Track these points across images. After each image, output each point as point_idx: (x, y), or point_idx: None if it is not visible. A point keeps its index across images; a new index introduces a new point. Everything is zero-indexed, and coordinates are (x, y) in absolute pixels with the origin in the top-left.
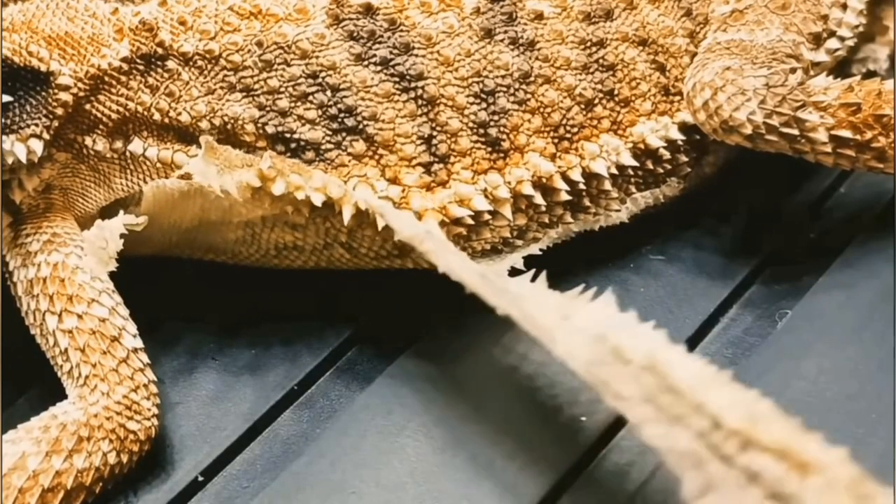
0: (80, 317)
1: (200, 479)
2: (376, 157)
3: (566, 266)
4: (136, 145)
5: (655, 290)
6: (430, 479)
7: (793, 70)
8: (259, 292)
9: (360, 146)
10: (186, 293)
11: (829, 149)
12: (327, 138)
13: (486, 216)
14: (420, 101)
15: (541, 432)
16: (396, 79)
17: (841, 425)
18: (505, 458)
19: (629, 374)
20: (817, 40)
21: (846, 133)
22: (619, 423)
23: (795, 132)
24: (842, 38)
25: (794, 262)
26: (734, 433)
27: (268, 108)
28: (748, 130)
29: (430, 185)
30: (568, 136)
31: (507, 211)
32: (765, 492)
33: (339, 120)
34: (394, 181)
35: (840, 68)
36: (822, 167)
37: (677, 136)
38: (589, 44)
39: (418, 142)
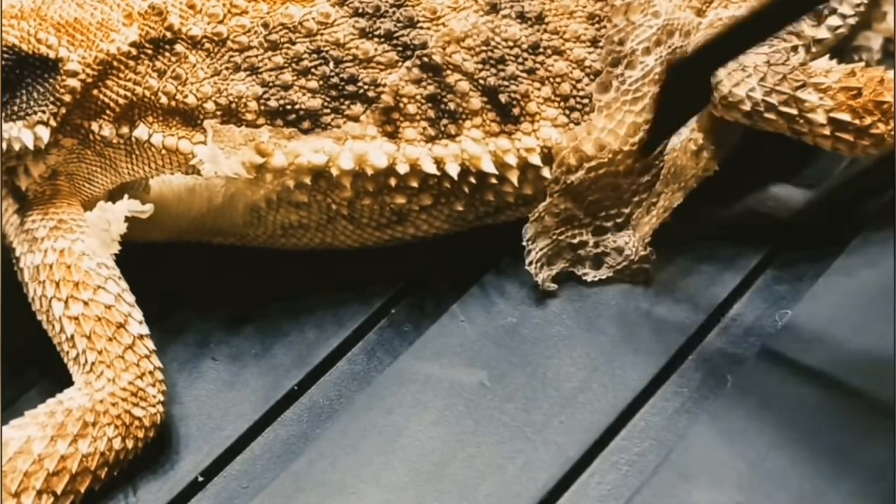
0: (86, 303)
1: (200, 479)
2: (377, 115)
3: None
4: (141, 131)
5: (655, 290)
6: (430, 479)
7: (794, 48)
8: (258, 293)
9: (358, 108)
10: (184, 288)
11: (827, 131)
12: (326, 105)
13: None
14: (425, 68)
15: (541, 432)
16: (400, 48)
17: (841, 424)
18: (505, 458)
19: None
20: (818, 17)
21: (845, 116)
22: (619, 423)
23: (794, 112)
24: (843, 16)
25: (795, 262)
26: None
27: (271, 84)
28: (747, 107)
29: (437, 138)
30: (579, 107)
31: (513, 176)
32: None
33: (340, 88)
34: (393, 136)
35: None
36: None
37: None
38: (597, 20)
39: (423, 101)
